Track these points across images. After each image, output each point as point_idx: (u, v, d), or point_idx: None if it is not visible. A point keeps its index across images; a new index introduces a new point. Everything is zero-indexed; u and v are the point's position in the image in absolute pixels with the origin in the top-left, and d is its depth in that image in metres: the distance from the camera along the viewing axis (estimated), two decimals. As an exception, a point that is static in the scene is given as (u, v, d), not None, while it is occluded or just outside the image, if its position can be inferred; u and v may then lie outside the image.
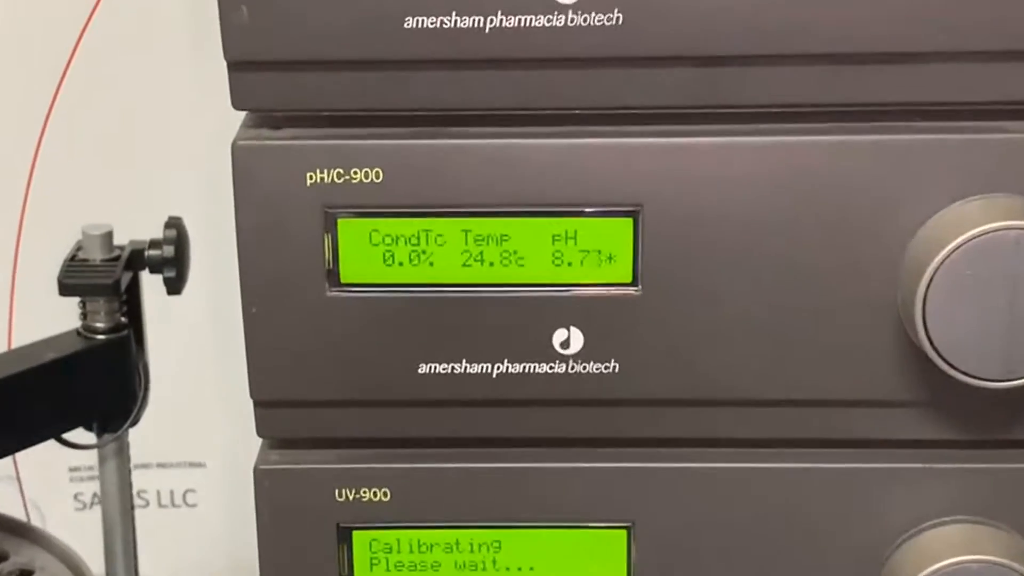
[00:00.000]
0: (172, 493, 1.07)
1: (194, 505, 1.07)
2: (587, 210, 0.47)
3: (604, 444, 0.51)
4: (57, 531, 0.82)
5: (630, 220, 0.47)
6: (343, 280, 0.48)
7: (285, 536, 0.51)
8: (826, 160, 0.47)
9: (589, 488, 0.50)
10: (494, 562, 0.51)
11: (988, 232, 0.45)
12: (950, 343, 0.46)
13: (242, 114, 0.48)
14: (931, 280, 0.46)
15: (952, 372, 0.47)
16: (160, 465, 1.06)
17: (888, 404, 0.49)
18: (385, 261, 0.48)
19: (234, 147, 0.47)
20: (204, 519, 1.06)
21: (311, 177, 0.47)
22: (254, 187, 0.47)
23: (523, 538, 0.51)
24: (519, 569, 0.51)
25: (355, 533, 0.51)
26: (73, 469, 1.04)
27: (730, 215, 0.47)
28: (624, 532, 0.51)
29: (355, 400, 0.50)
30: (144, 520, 1.04)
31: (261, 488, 0.50)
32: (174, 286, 0.77)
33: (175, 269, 0.76)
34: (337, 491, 0.50)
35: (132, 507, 0.85)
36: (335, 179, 0.47)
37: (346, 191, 0.47)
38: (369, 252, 0.48)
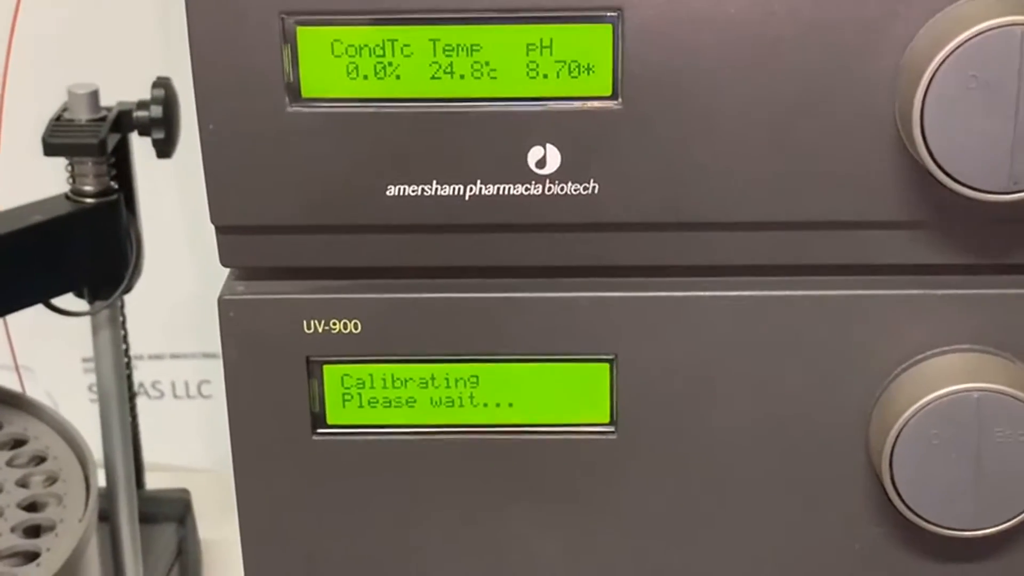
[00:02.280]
0: (187, 384, 1.06)
1: (209, 396, 1.06)
2: (563, 15, 0.44)
3: (585, 272, 0.48)
4: (71, 421, 0.81)
5: (609, 27, 0.45)
6: (304, 95, 0.45)
7: (252, 371, 0.49)
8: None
9: (570, 319, 0.48)
10: (471, 398, 0.49)
11: (991, 29, 0.42)
12: (950, 153, 0.43)
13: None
14: (929, 84, 0.43)
15: (953, 185, 0.44)
16: (174, 356, 1.05)
17: (887, 225, 0.47)
18: (349, 74, 0.45)
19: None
20: (219, 410, 1.05)
21: (265, -20, 0.44)
22: (206, -8, 0.44)
23: (501, 372, 0.49)
24: (497, 405, 0.49)
25: (326, 367, 0.49)
26: (87, 360, 1.03)
27: (721, 19, 0.44)
28: (607, 365, 0.48)
29: (320, 226, 0.47)
30: (159, 411, 1.04)
31: (226, 319, 0.48)
32: (163, 149, 0.75)
33: (164, 130, 0.74)
34: (305, 323, 0.48)
35: (130, 381, 0.84)
36: (291, -19, 0.44)
37: (303, -5, 0.44)
38: (331, 64, 0.45)
